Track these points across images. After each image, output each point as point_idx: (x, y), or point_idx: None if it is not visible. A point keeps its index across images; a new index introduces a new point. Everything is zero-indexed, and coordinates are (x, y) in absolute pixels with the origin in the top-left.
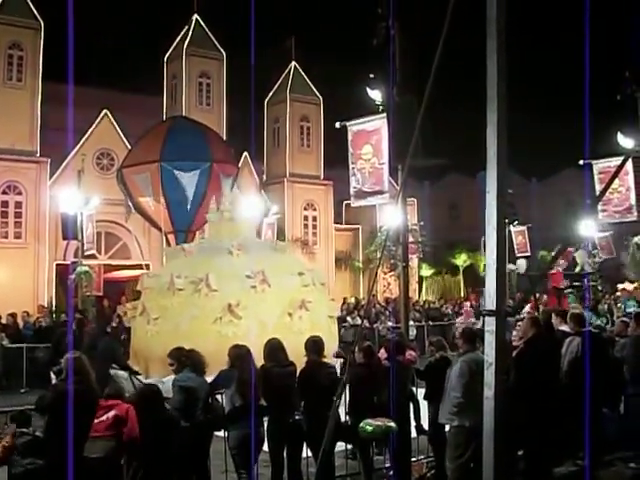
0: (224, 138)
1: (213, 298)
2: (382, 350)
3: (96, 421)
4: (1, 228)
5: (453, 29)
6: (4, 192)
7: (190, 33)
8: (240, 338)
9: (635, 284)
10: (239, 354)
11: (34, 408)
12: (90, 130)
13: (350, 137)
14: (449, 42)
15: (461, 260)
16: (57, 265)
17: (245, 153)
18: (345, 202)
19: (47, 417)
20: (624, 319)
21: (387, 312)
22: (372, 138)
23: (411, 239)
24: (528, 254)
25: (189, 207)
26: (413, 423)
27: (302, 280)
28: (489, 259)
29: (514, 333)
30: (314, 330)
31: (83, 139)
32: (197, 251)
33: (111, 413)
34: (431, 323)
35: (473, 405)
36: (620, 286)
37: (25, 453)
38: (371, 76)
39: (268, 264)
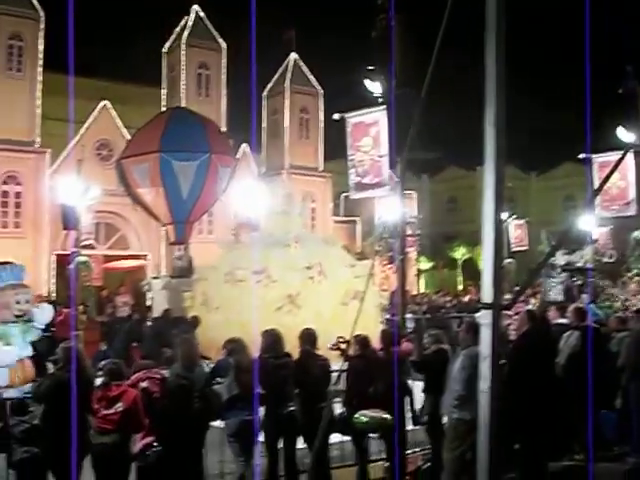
0: (223, 129)
1: (273, 288)
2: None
3: (103, 412)
4: (1, 218)
5: (453, 20)
6: (4, 182)
7: (190, 24)
8: (300, 326)
9: (637, 278)
10: (236, 345)
11: (31, 397)
12: (89, 121)
13: (349, 129)
14: (449, 33)
15: (459, 253)
16: (57, 255)
17: (244, 144)
18: (344, 194)
19: (44, 405)
20: (618, 315)
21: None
22: (371, 130)
23: (409, 232)
24: (526, 248)
25: (187, 198)
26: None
27: (353, 272)
28: (486, 252)
29: (511, 326)
30: (365, 319)
31: (82, 130)
32: (252, 243)
33: (119, 406)
34: (428, 316)
35: (474, 398)
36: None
37: (23, 441)
38: (370, 68)
39: (322, 256)
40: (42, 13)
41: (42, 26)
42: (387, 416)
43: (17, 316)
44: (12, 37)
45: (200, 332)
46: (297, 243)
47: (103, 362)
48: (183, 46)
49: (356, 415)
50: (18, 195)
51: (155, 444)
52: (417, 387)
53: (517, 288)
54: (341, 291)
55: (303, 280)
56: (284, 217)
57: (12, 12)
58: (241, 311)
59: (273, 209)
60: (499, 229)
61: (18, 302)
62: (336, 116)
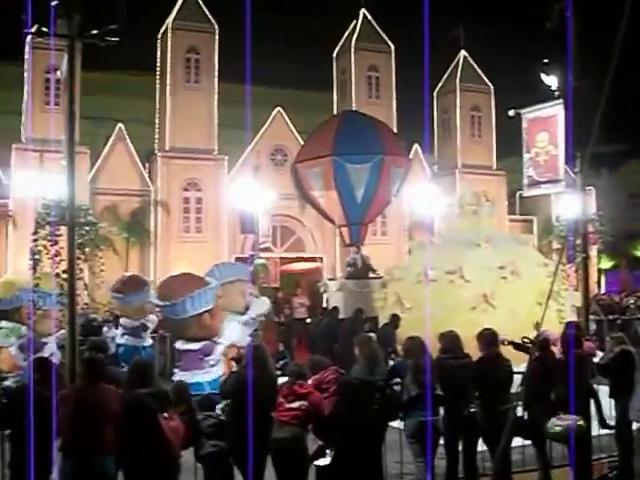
0: (394, 130)
1: (467, 288)
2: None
3: (287, 405)
4: (183, 223)
5: (636, 6)
6: (185, 189)
7: (358, 28)
8: (494, 326)
9: None
10: (413, 344)
11: (217, 393)
12: (264, 128)
13: (525, 125)
14: (631, 21)
15: None
16: (236, 258)
17: (415, 145)
18: (519, 192)
19: (229, 401)
20: None
21: None
22: (548, 125)
23: (591, 229)
24: None
25: (361, 200)
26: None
27: (546, 271)
28: None
29: None
30: (560, 319)
31: (257, 136)
32: (443, 244)
33: (303, 404)
34: (610, 317)
35: None
36: None
37: (210, 435)
38: (545, 61)
39: (514, 256)
40: (216, 26)
41: (216, 38)
42: (581, 423)
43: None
44: (189, 50)
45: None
46: (487, 243)
47: (281, 362)
48: (352, 50)
49: (549, 424)
50: (199, 201)
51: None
52: (602, 392)
53: None
54: (535, 291)
55: (496, 280)
56: (473, 217)
57: (189, 27)
58: (434, 311)
59: (462, 209)
60: None
61: (251, 294)
62: (511, 112)
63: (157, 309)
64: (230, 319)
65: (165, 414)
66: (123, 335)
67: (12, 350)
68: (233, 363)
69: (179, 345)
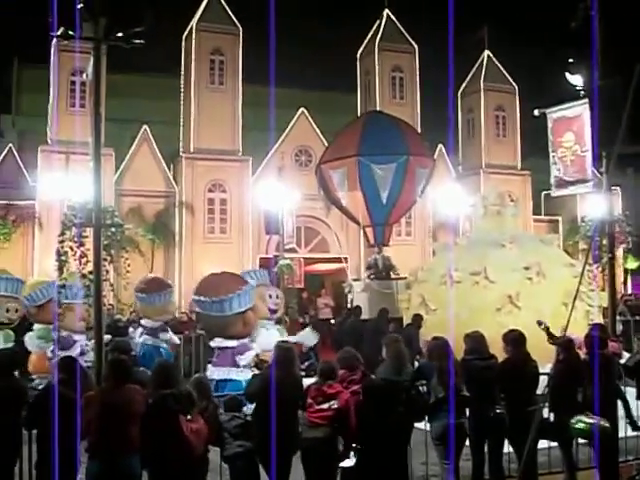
0: (418, 131)
1: (492, 289)
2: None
3: (316, 407)
4: (208, 224)
5: None
6: (210, 190)
7: (382, 29)
8: (521, 327)
9: None
10: (437, 346)
11: (243, 394)
12: (288, 129)
13: (550, 124)
14: None
15: None
16: (260, 259)
17: (440, 145)
18: (544, 192)
19: (255, 402)
20: None
21: None
22: (573, 125)
23: (617, 229)
24: None
25: (386, 201)
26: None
27: (571, 271)
28: None
29: None
30: (586, 320)
31: (282, 137)
32: (467, 245)
33: (333, 404)
34: (638, 318)
35: None
36: None
37: (237, 436)
38: (570, 61)
39: (539, 256)
40: (241, 28)
41: (241, 40)
42: (606, 424)
43: (272, 310)
44: (214, 52)
45: (421, 333)
46: (512, 243)
47: (306, 363)
48: (376, 50)
49: (573, 420)
50: (223, 202)
51: (356, 445)
52: (629, 393)
53: None
54: (561, 291)
55: (522, 280)
56: (498, 217)
57: (213, 29)
58: (459, 312)
59: (486, 209)
60: None
61: (271, 296)
62: (536, 112)
63: (197, 307)
64: (258, 325)
65: (188, 416)
66: (142, 335)
67: (48, 352)
68: (255, 370)
69: (215, 343)
